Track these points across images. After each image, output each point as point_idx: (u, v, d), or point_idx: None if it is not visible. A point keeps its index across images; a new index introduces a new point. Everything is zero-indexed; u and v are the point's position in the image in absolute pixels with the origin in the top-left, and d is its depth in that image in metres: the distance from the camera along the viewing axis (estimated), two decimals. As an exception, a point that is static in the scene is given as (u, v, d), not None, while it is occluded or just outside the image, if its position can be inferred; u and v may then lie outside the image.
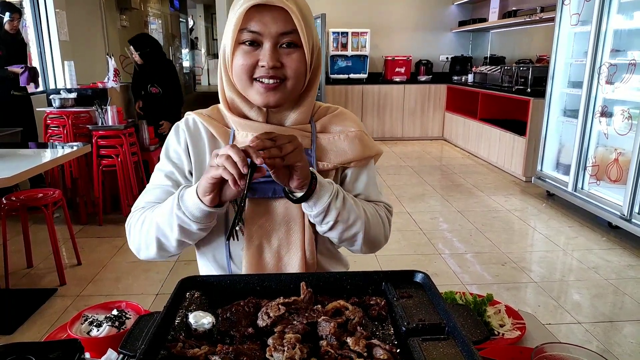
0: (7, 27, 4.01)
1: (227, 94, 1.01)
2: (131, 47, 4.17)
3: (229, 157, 0.80)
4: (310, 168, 0.91)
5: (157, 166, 1.07)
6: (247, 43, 0.93)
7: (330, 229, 0.96)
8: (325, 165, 1.01)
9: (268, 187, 0.98)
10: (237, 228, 0.88)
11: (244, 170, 0.79)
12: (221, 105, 1.04)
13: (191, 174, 1.04)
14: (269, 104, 0.96)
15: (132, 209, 1.05)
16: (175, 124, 1.07)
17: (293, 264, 0.99)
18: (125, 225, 1.05)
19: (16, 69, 3.89)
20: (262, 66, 0.92)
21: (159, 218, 0.94)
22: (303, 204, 0.93)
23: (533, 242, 3.45)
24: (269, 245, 0.99)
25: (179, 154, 1.04)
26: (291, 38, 0.93)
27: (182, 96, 4.60)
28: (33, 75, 4.00)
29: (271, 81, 0.93)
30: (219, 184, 0.85)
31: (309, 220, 0.98)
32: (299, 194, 0.91)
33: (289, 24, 0.91)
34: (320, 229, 0.98)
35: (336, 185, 0.96)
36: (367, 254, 1.08)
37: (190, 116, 1.07)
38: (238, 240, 0.94)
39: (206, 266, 1.07)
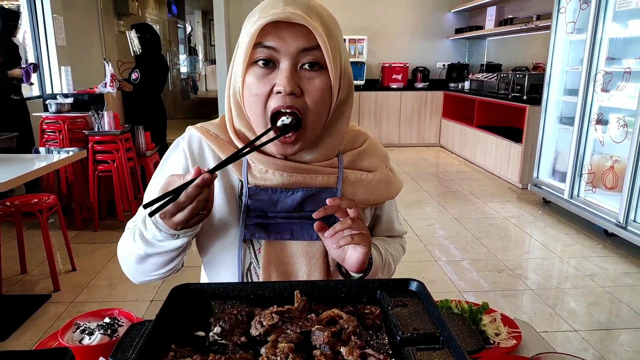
0: (15, 33, 4.10)
1: (237, 126, 0.89)
2: (133, 30, 4.24)
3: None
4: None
5: (152, 180, 0.95)
6: (261, 62, 0.80)
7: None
8: None
9: (285, 228, 0.89)
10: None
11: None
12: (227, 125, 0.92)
13: None
14: (286, 155, 0.86)
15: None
16: (176, 140, 0.95)
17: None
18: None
19: (17, 71, 3.90)
20: (278, 92, 0.79)
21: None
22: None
23: (529, 250, 3.44)
24: None
25: (176, 170, 0.92)
26: (314, 56, 0.79)
27: (160, 88, 4.65)
28: (33, 69, 4.06)
29: (289, 134, 0.81)
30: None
31: (332, 264, 0.93)
32: (353, 274, 0.89)
33: (312, 40, 0.78)
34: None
35: (382, 251, 0.94)
36: None
37: (195, 135, 0.93)
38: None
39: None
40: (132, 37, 4.25)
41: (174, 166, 0.93)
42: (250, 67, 0.81)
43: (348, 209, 0.82)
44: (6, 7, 4.35)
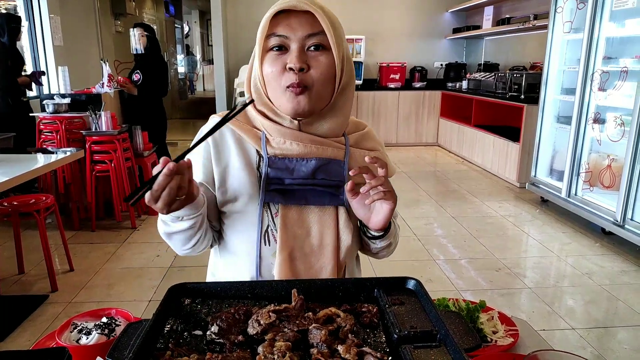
0: (19, 36, 4.18)
1: (259, 107, 1.02)
2: (139, 28, 4.22)
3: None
4: None
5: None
6: (274, 49, 0.94)
7: (383, 248, 1.07)
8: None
9: (300, 195, 1.00)
10: (268, 230, 0.99)
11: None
12: (249, 108, 1.04)
13: (214, 180, 1.02)
14: (298, 111, 0.95)
15: None
16: (202, 127, 1.04)
17: (325, 270, 1.01)
18: None
19: (26, 79, 4.05)
20: (290, 69, 0.92)
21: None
22: (378, 239, 1.03)
23: (527, 248, 3.45)
24: (301, 252, 1.00)
25: (201, 156, 1.03)
26: (318, 39, 0.94)
27: (164, 90, 4.64)
28: (39, 75, 4.28)
29: (298, 89, 0.93)
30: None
31: (341, 226, 1.02)
32: (375, 233, 1.01)
33: (316, 26, 0.93)
34: (374, 247, 1.07)
35: (393, 219, 1.05)
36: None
37: (216, 120, 1.01)
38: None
39: (226, 270, 1.07)
40: (137, 35, 4.23)
41: (198, 152, 1.03)
42: (266, 54, 0.96)
43: (379, 168, 0.92)
44: (4, 11, 4.39)
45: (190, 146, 0.85)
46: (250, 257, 1.01)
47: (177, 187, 0.78)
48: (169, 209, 0.81)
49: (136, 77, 4.34)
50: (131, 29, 4.30)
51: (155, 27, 9.54)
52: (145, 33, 4.22)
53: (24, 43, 4.99)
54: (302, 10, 0.92)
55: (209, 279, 1.14)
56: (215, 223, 1.07)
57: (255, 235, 1.00)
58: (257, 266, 1.00)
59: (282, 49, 0.94)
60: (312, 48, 0.94)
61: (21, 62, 4.24)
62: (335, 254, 1.00)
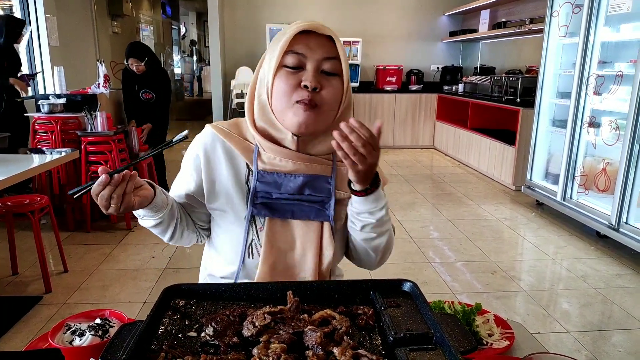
0: (19, 40, 4.18)
1: (259, 123, 1.03)
2: (132, 59, 4.09)
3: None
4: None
5: (178, 175, 1.12)
6: (290, 65, 0.97)
7: (373, 228, 1.01)
8: (342, 194, 1.03)
9: (287, 208, 1.01)
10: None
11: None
12: (246, 122, 1.06)
13: (202, 191, 1.06)
14: (302, 126, 0.96)
15: None
16: (197, 136, 1.09)
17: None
18: None
19: (21, 82, 4.08)
20: (305, 86, 0.95)
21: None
22: (362, 199, 0.96)
23: (522, 251, 3.46)
24: (283, 265, 1.02)
25: (191, 168, 1.07)
26: (333, 65, 0.98)
27: (170, 102, 4.59)
28: (29, 77, 4.28)
29: (308, 105, 0.95)
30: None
31: (325, 242, 1.02)
32: (358, 187, 0.95)
33: (332, 52, 0.98)
34: (361, 225, 1.01)
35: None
36: (374, 269, 1.15)
37: (208, 130, 1.08)
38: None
39: (214, 270, 1.11)
40: (134, 66, 4.10)
41: (188, 164, 1.08)
42: (280, 69, 0.97)
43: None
44: (7, 13, 4.41)
45: (131, 162, 0.91)
46: (234, 266, 1.04)
47: (122, 194, 0.87)
48: (117, 213, 0.89)
49: (148, 96, 4.25)
50: (125, 61, 4.19)
51: (151, 28, 9.53)
52: (141, 63, 4.09)
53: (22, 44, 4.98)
54: (321, 34, 0.97)
55: (202, 272, 1.18)
56: (202, 223, 1.12)
57: (240, 247, 1.03)
58: (240, 276, 1.04)
59: (297, 68, 0.97)
60: (326, 71, 0.97)
61: (18, 63, 4.23)
62: (317, 267, 1.02)
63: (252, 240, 1.03)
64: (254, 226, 1.03)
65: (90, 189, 0.87)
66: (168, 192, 1.06)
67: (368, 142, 0.85)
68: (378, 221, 1.00)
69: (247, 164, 1.04)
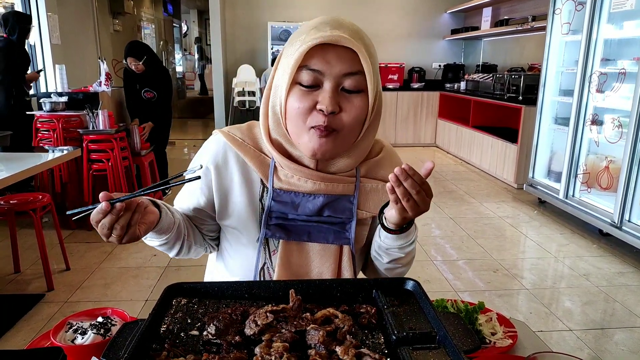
0: (29, 36, 4.20)
1: (274, 135, 0.93)
2: (130, 58, 4.10)
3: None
4: None
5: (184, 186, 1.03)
6: (304, 84, 0.84)
7: (399, 260, 0.96)
8: (365, 214, 0.96)
9: (303, 230, 0.93)
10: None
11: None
12: (261, 131, 0.95)
13: (213, 207, 0.98)
14: (318, 154, 0.87)
15: None
16: (206, 142, 1.00)
17: None
18: None
19: (34, 74, 4.21)
20: (320, 110, 0.83)
21: None
22: (394, 236, 0.91)
23: (525, 249, 3.45)
24: None
25: (202, 182, 0.97)
26: (356, 81, 0.84)
27: (171, 100, 4.59)
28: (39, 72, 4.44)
29: (325, 132, 0.85)
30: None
31: (343, 268, 0.95)
32: (393, 227, 0.88)
33: (355, 65, 0.83)
34: (389, 259, 0.96)
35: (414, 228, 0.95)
36: None
37: (220, 139, 0.97)
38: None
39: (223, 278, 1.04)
40: (132, 66, 4.10)
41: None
42: (294, 85, 0.85)
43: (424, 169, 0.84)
44: (13, 9, 4.42)
45: (135, 192, 0.79)
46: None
47: (125, 224, 0.77)
48: (119, 241, 0.78)
49: (149, 95, 4.25)
50: (124, 60, 4.18)
51: (153, 26, 9.52)
52: (139, 63, 4.09)
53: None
54: (342, 45, 0.82)
55: (207, 278, 1.13)
56: (212, 234, 1.05)
57: (252, 270, 0.96)
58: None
59: (314, 85, 0.84)
60: (346, 89, 0.84)
61: (27, 61, 4.24)
62: None
63: (265, 263, 0.95)
64: (266, 248, 0.95)
65: (90, 213, 0.78)
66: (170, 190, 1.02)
67: (423, 189, 0.81)
68: (407, 255, 0.95)
69: (262, 180, 0.95)
